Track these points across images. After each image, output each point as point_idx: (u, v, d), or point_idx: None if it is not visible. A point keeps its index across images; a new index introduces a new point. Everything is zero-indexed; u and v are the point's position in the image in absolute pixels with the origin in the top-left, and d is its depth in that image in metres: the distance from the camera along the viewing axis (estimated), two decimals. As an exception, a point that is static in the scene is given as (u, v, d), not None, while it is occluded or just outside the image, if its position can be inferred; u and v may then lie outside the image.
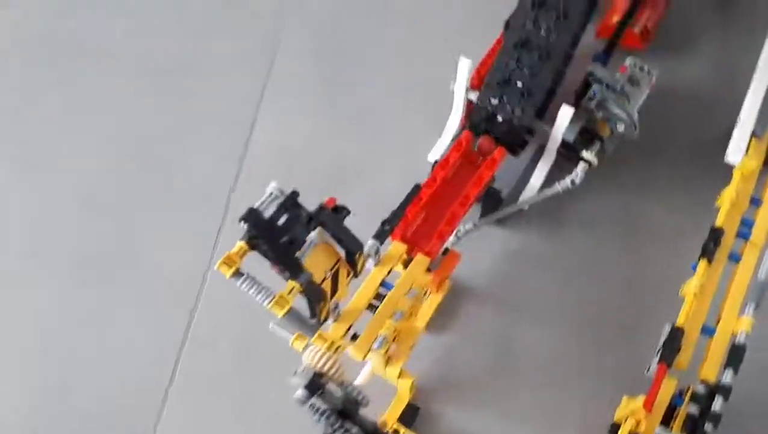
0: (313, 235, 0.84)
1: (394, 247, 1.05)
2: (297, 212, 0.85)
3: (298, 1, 1.59)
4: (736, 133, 1.11)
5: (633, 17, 1.34)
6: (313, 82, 1.48)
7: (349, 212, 0.91)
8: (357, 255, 0.93)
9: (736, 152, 1.10)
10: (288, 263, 0.79)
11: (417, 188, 1.08)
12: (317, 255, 0.89)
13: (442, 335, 1.18)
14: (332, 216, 0.89)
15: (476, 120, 1.20)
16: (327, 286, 0.91)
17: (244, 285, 0.81)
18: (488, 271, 1.24)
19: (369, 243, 0.99)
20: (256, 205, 0.79)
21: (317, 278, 0.89)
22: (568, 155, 1.18)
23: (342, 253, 0.92)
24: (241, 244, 0.80)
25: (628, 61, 1.20)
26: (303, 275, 0.82)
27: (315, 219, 0.87)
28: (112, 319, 1.26)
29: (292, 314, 0.82)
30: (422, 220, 1.11)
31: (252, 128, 1.44)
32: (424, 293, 1.04)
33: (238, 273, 0.81)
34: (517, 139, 1.20)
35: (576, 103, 1.14)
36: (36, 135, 1.47)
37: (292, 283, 0.82)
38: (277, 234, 0.79)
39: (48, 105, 1.51)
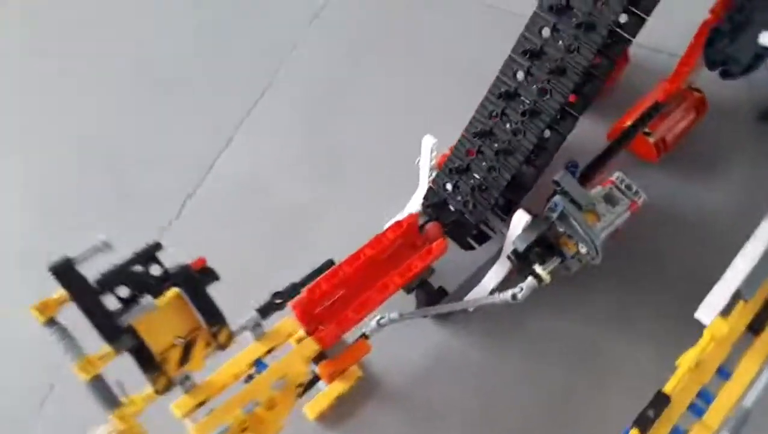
0: (149, 299, 0.74)
1: (284, 323, 0.93)
2: (149, 267, 0.75)
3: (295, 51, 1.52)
4: (715, 289, 0.93)
5: (646, 124, 1.17)
6: (292, 125, 1.40)
7: (217, 278, 0.81)
8: (219, 327, 0.82)
9: (707, 310, 0.92)
10: (100, 323, 0.69)
11: (330, 264, 0.96)
12: (166, 319, 0.78)
13: (332, 432, 1.05)
14: (194, 279, 0.79)
15: (430, 203, 1.07)
16: (174, 354, 0.80)
17: (53, 336, 0.71)
18: (409, 370, 1.10)
19: (250, 316, 0.88)
20: (76, 255, 0.70)
21: (160, 344, 0.78)
22: (520, 265, 1.03)
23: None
24: (61, 292, 0.71)
25: (616, 175, 1.04)
26: (120, 341, 0.71)
27: (170, 279, 0.76)
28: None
29: (96, 383, 0.71)
30: (338, 299, 1.00)
31: (218, 156, 1.37)
32: (301, 386, 0.91)
33: (51, 321, 0.71)
34: (467, 233, 1.06)
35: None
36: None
37: (107, 347, 0.72)
38: (91, 289, 0.69)
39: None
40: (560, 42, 0.94)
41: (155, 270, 0.76)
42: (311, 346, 0.92)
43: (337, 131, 1.38)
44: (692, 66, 1.08)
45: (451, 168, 1.03)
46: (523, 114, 0.96)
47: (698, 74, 1.19)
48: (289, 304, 0.95)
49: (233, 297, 0.84)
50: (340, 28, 1.55)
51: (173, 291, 0.78)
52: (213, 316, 0.81)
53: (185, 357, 0.82)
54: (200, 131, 1.41)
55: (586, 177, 1.12)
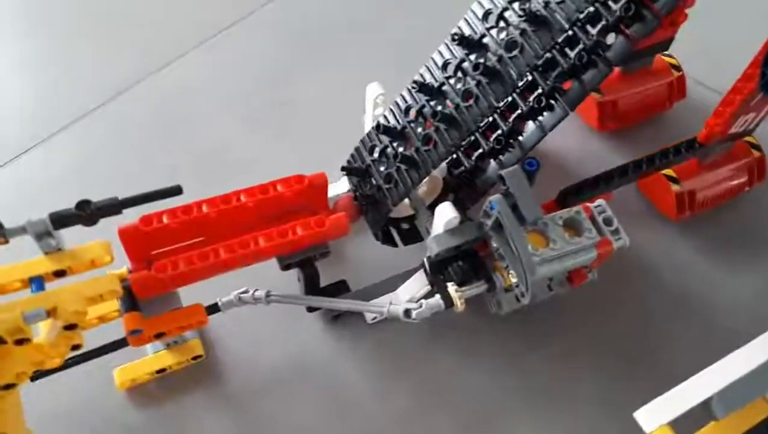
0: None
1: (92, 246, 0.70)
2: None
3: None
4: (673, 392, 0.64)
5: (670, 163, 0.89)
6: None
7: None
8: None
9: (652, 414, 0.63)
10: None
11: (177, 190, 0.72)
12: None
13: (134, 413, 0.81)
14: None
15: (350, 167, 0.82)
16: None
17: None
18: (264, 371, 0.85)
19: (39, 218, 0.66)
20: None
21: None
22: (432, 277, 0.77)
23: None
24: None
25: (597, 203, 0.76)
26: None
27: None
28: None
29: None
30: (191, 247, 0.76)
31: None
32: (73, 331, 0.67)
33: None
34: (382, 218, 0.80)
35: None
36: None
37: None
38: None
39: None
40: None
41: None
42: (110, 283, 0.68)
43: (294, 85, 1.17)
44: (746, 96, 0.78)
45: (385, 127, 0.78)
46: (486, 72, 0.70)
47: (764, 119, 0.90)
48: (117, 228, 0.72)
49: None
50: None
51: None
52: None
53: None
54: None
55: (564, 198, 0.85)
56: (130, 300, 0.73)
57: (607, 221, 0.74)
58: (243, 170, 1.02)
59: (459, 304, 0.73)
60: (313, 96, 1.13)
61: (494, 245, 0.72)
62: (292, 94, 1.14)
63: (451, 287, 0.74)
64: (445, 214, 0.72)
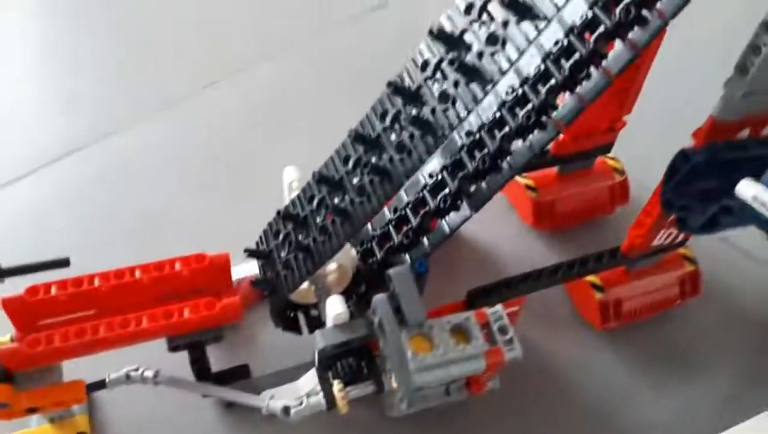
0: None
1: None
2: None
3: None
4: None
5: (588, 271, 0.86)
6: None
7: None
8: None
9: None
10: None
11: (64, 262, 0.72)
12: None
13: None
14: None
15: (254, 250, 0.81)
16: None
17: None
18: None
19: None
20: None
21: None
22: (320, 372, 0.74)
23: None
24: None
25: (494, 310, 0.73)
26: None
27: None
28: None
29: None
30: (82, 319, 0.75)
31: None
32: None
33: None
34: (277, 306, 0.78)
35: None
36: None
37: None
38: None
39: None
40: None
41: None
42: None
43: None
44: (659, 212, 0.76)
45: (285, 214, 0.77)
46: (376, 171, 0.69)
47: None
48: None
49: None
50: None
51: None
52: None
53: None
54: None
55: (472, 299, 0.82)
56: (3, 371, 0.71)
57: (502, 330, 0.72)
58: (184, 235, 1.01)
59: (342, 405, 0.70)
60: (263, 168, 1.12)
61: (381, 345, 0.70)
62: (245, 164, 1.14)
63: (336, 386, 0.71)
64: (334, 308, 0.70)
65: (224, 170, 1.13)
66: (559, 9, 0.60)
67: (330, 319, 0.71)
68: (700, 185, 0.67)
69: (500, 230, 1.03)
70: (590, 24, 0.58)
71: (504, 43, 0.63)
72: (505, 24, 0.63)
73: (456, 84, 0.66)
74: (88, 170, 1.14)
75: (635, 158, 1.05)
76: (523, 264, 0.95)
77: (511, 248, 1.02)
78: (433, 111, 0.67)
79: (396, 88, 0.68)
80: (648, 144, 1.02)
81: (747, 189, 0.58)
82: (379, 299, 0.67)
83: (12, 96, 1.27)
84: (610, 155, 1.02)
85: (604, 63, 0.58)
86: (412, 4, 1.41)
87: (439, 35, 0.66)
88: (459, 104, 0.66)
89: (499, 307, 0.73)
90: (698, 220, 0.69)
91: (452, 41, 0.66)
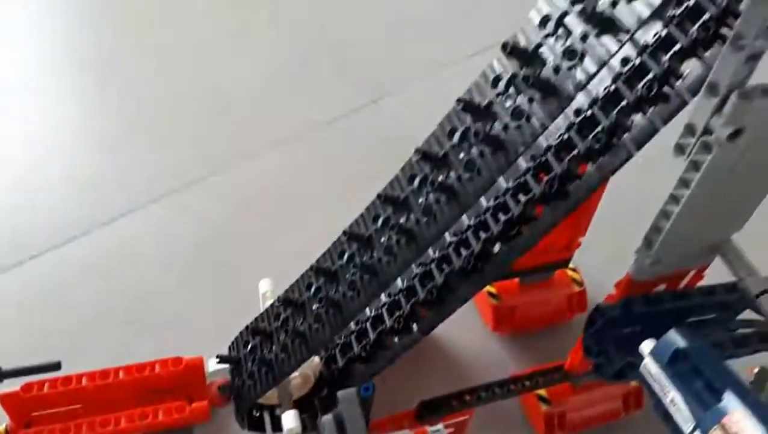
0: None
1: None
2: None
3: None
4: None
5: (534, 387, 0.94)
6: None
7: None
8: None
9: None
10: None
11: (55, 367, 0.82)
12: None
13: None
14: None
15: (225, 356, 0.90)
16: None
17: None
18: None
19: None
20: None
21: None
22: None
23: None
24: None
25: (435, 428, 0.81)
26: None
27: None
28: None
29: None
30: (72, 414, 0.84)
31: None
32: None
33: None
34: (241, 410, 0.87)
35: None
36: None
37: None
38: None
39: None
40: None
41: None
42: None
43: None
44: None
45: (253, 328, 0.86)
46: (331, 304, 0.78)
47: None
48: (-1, 393, 0.81)
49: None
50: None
51: None
52: None
53: None
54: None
55: (422, 411, 0.90)
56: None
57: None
58: (169, 326, 1.10)
59: None
60: (246, 267, 1.19)
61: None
62: (231, 259, 1.22)
63: None
64: (287, 422, 0.79)
65: (210, 265, 1.21)
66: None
67: (285, 432, 0.79)
68: (616, 334, 0.75)
69: (464, 332, 1.11)
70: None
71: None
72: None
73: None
74: (80, 259, 1.22)
75: (595, 268, 1.12)
76: (483, 366, 1.03)
77: (473, 350, 1.10)
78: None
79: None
80: (606, 255, 1.09)
81: (646, 350, 0.66)
82: (326, 419, 0.75)
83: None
84: (571, 265, 1.10)
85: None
86: (394, 106, 1.51)
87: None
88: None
89: (440, 426, 0.81)
90: (612, 368, 0.77)
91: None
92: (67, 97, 1.56)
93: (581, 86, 0.63)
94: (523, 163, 0.75)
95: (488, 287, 1.09)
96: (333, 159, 1.40)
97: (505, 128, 0.68)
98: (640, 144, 0.64)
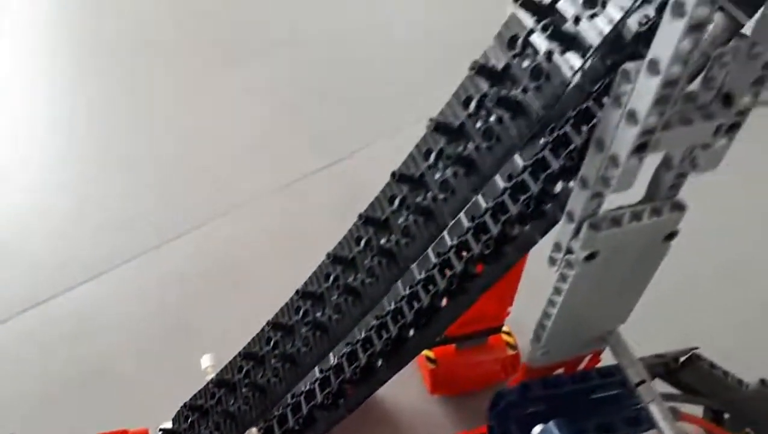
0: None
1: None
2: None
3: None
4: None
5: None
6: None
7: None
8: None
9: None
10: None
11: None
12: None
13: None
14: None
15: (171, 430, 0.96)
16: None
17: None
18: None
19: None
20: None
21: None
22: None
23: None
24: None
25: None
26: None
27: None
28: None
29: None
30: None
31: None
32: None
33: None
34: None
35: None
36: None
37: None
38: None
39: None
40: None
41: None
42: None
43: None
44: None
45: (192, 404, 0.93)
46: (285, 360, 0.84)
47: None
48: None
49: None
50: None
51: None
52: None
53: None
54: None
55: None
56: None
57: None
58: (121, 396, 1.16)
59: None
60: (199, 332, 1.27)
61: None
62: (183, 328, 1.28)
63: None
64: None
65: (163, 335, 1.27)
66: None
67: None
68: (518, 415, 0.81)
69: (407, 392, 1.18)
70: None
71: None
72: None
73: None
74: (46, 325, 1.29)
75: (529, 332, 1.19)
76: (422, 426, 1.09)
77: (414, 411, 1.17)
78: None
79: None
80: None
81: (535, 435, 0.73)
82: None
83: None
84: (505, 329, 1.17)
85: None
86: (353, 168, 1.59)
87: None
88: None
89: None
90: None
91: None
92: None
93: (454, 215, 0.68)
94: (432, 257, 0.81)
95: (426, 352, 1.16)
96: (290, 222, 1.48)
97: (434, 199, 0.72)
98: (521, 252, 0.71)
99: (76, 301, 1.33)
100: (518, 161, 0.72)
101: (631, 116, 0.51)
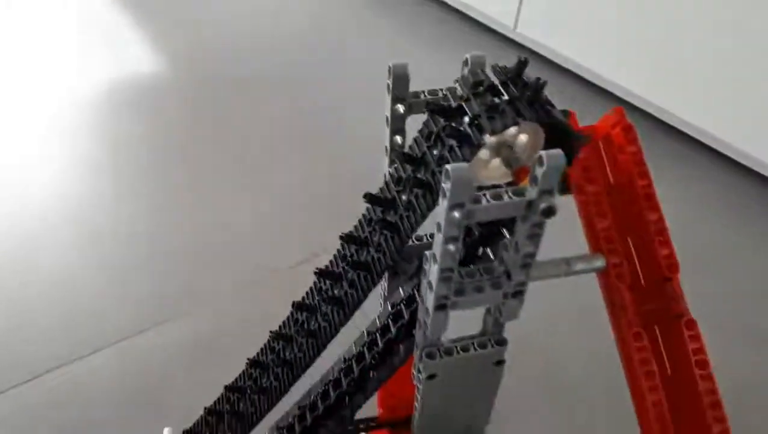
0: None
1: None
2: None
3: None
4: None
5: None
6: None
7: None
8: None
9: None
10: None
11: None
12: None
13: None
14: None
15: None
16: None
17: None
18: None
19: None
20: None
21: None
22: None
23: None
24: None
25: None
26: None
27: None
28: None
29: None
30: None
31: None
32: None
33: None
34: None
35: None
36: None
37: None
38: None
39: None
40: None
41: None
42: None
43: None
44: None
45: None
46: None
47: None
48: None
49: None
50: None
51: None
52: None
53: None
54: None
55: None
56: None
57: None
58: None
59: None
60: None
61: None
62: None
63: None
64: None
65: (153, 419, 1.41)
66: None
67: None
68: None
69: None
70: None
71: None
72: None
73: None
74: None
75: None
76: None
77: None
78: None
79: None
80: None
81: None
82: None
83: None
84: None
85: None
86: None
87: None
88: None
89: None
90: None
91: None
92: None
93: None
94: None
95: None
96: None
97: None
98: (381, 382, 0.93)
99: (47, 385, 1.51)
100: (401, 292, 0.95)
101: (429, 285, 0.73)
